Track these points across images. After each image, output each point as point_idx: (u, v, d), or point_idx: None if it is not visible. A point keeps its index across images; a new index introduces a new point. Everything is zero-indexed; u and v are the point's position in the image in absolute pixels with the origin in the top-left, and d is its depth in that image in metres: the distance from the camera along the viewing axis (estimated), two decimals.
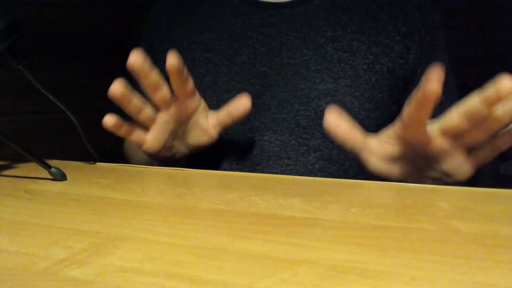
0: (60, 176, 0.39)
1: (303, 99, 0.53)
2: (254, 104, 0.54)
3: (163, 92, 0.43)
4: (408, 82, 0.55)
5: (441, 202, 0.31)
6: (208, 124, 0.48)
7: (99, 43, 1.17)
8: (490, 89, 0.32)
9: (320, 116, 0.53)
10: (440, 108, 0.54)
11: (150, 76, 0.41)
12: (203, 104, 0.48)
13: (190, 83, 0.43)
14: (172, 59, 0.39)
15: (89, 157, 0.49)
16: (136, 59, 0.39)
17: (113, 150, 0.46)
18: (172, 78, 0.41)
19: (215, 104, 0.55)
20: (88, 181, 0.39)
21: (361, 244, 0.23)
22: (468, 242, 0.23)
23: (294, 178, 0.41)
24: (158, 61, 0.62)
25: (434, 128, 0.37)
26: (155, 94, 0.42)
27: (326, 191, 0.35)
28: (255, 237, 0.24)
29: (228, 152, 0.56)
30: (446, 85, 0.55)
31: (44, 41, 0.98)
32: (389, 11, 0.54)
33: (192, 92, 0.44)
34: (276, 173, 0.54)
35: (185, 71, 0.41)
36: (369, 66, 0.53)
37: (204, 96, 0.55)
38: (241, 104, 0.45)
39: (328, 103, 0.52)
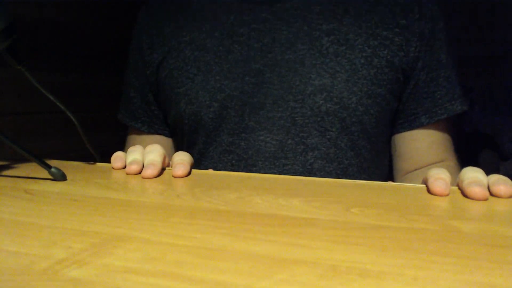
0: (60, 176, 0.39)
1: (298, 96, 0.51)
2: (248, 103, 0.53)
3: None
4: (408, 76, 0.54)
5: (441, 202, 0.31)
6: None
7: (99, 43, 1.17)
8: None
9: (317, 113, 0.51)
10: (441, 103, 0.54)
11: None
12: None
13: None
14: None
15: (89, 157, 0.49)
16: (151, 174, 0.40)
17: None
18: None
19: (208, 104, 0.54)
20: (88, 181, 0.39)
21: (361, 244, 0.23)
22: (468, 242, 0.23)
23: (294, 178, 0.41)
24: (148, 63, 0.60)
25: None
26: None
27: (326, 191, 0.35)
28: (255, 237, 0.24)
29: (222, 154, 0.55)
30: (447, 79, 0.55)
31: (44, 41, 0.98)
32: (387, 4, 0.53)
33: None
34: (274, 173, 0.53)
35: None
36: (367, 60, 0.51)
37: (196, 95, 0.55)
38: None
39: (324, 99, 0.51)
